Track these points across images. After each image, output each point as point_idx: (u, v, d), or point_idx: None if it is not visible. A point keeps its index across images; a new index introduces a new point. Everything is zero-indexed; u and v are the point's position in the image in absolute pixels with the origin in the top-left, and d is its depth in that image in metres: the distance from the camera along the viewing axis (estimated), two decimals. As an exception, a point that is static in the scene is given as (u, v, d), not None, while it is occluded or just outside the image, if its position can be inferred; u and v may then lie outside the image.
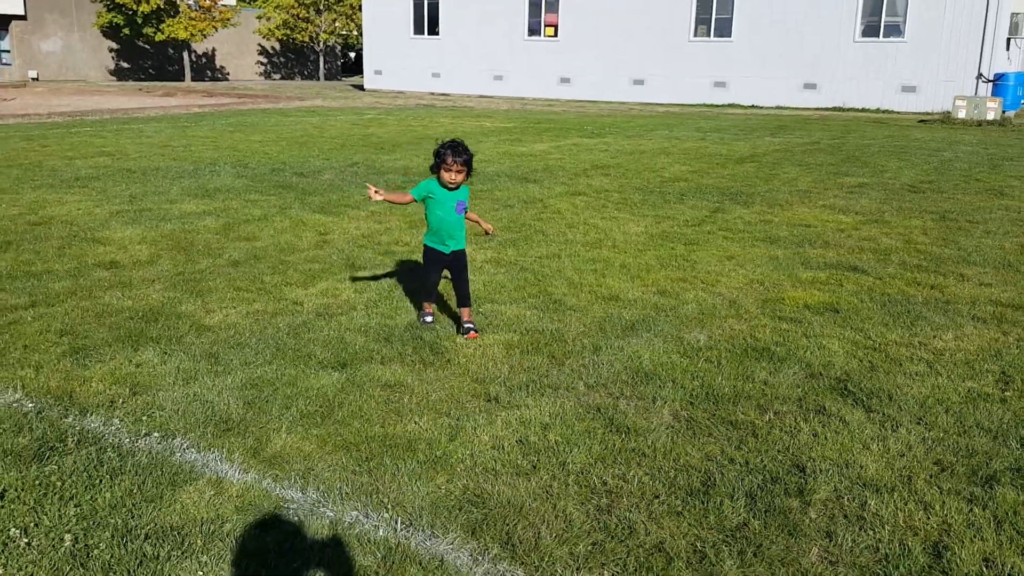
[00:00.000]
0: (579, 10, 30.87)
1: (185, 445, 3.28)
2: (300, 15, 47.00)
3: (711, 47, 28.80)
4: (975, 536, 2.74)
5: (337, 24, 49.47)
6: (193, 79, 43.48)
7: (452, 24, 33.94)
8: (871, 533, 2.76)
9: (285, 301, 5.23)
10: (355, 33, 50.38)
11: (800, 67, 27.24)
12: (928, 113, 23.57)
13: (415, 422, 3.50)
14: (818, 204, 8.94)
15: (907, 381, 4.06)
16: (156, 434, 3.37)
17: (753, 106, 27.69)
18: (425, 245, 4.72)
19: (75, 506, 2.81)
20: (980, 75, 23.89)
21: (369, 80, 36.58)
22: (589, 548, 2.67)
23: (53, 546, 2.60)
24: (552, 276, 5.88)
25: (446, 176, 4.46)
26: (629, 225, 7.75)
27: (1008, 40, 25.16)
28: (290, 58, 53.12)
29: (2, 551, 2.57)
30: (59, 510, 2.79)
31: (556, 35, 31.95)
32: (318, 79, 50.34)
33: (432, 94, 33.57)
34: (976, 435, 3.47)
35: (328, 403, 3.67)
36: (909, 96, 25.53)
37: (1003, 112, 20.60)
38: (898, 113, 24.80)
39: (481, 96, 32.54)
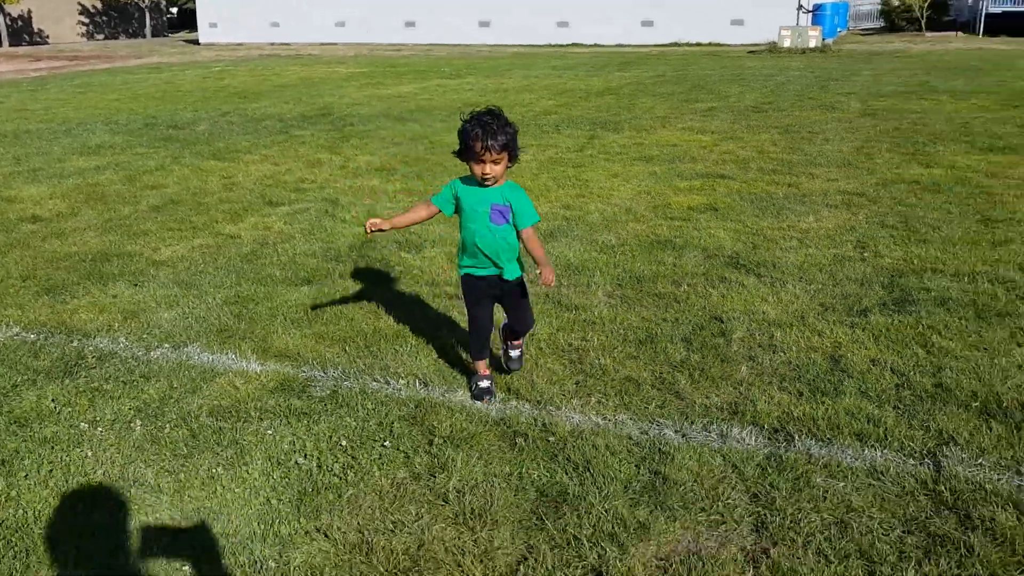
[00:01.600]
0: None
1: (198, 351, 3.68)
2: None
3: (551, -14, 29.54)
4: (860, 347, 3.59)
5: (160, -23, 46.89)
6: (11, 44, 40.28)
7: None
8: (782, 354, 3.56)
9: (222, 236, 5.55)
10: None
11: (638, 5, 28.46)
12: (756, 44, 25.28)
13: (396, 319, 4.02)
14: (678, 127, 9.85)
15: (784, 254, 4.92)
16: (167, 345, 3.75)
17: (595, 44, 28.74)
18: (461, 273, 3.20)
19: (128, 400, 3.20)
20: (800, 6, 25.82)
21: (204, 34, 35.22)
22: (574, 385, 3.32)
23: (124, 433, 3.00)
24: (465, 198, 6.43)
25: (476, 169, 2.94)
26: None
27: (822, -28, 27.22)
28: (113, 17, 49.87)
29: (81, 440, 2.95)
30: (115, 406, 3.17)
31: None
32: (144, 36, 47.63)
33: (272, 44, 32.74)
34: (847, 284, 4.36)
35: (309, 311, 4.13)
36: (738, 29, 27.23)
37: (823, 40, 22.49)
38: (728, 46, 26.45)
39: (324, 44, 32.03)
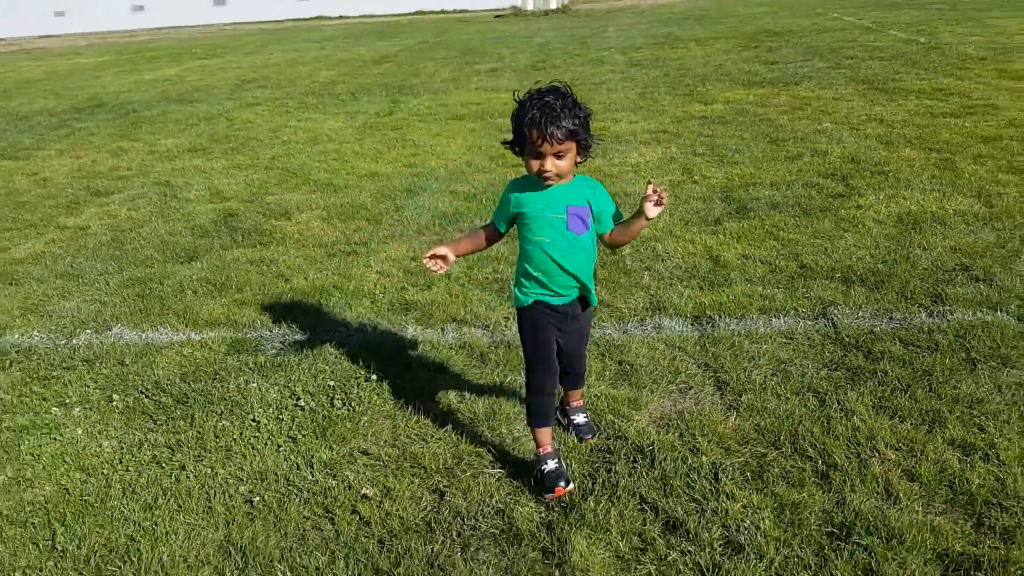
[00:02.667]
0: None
1: (124, 331, 3.60)
2: None
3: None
4: (728, 247, 4.21)
5: None
6: None
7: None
8: (670, 261, 4.09)
9: (69, 229, 5.25)
10: None
11: (378, -25, 28.49)
12: (500, 9, 26.28)
13: (308, 277, 4.13)
14: (472, 88, 10.27)
15: (629, 185, 5.49)
16: (88, 331, 3.62)
17: (341, 16, 28.50)
18: (519, 305, 2.43)
19: (88, 381, 3.12)
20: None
21: None
22: (512, 309, 3.65)
23: (106, 408, 2.95)
24: (304, 169, 6.47)
25: (533, 165, 2.25)
26: (328, 122, 8.41)
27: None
28: None
29: (63, 422, 2.87)
30: (77, 389, 3.08)
31: (116, -40, 29.57)
32: None
33: (-25, 39, 29.35)
34: (692, 203, 5.00)
35: (214, 282, 4.12)
36: (479, -5, 28.10)
37: (562, 2, 23.81)
38: (473, 12, 27.28)
39: (40, 36, 29.23)
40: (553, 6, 23.30)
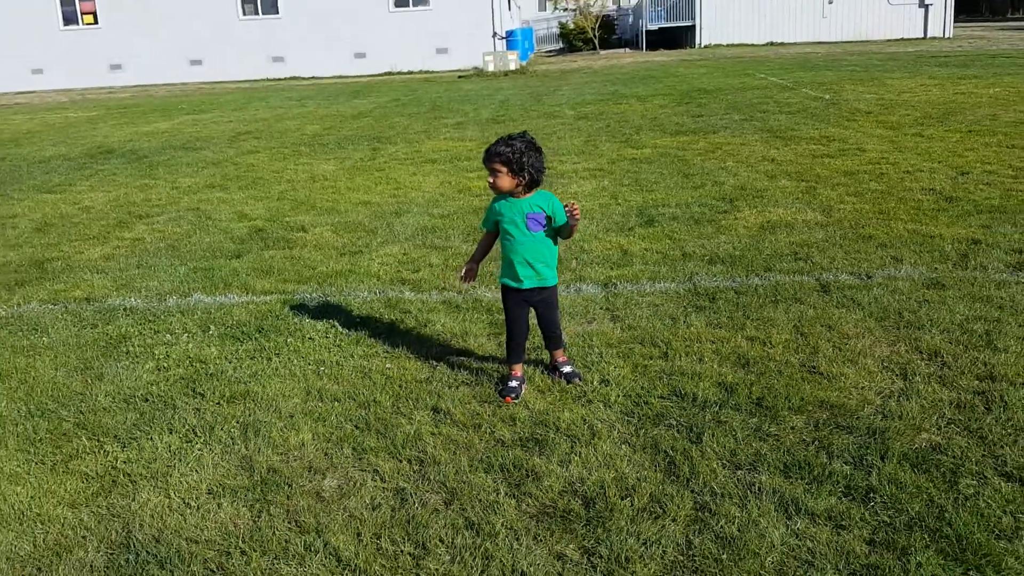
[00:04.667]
0: (120, -5, 30.48)
1: (202, 296, 5.05)
2: None
3: (263, 24, 30.60)
4: (635, 244, 5.79)
5: None
6: None
7: (-32, 17, 31.09)
8: (593, 254, 5.65)
9: (127, 239, 6.70)
10: None
11: (349, 38, 30.36)
12: (463, 70, 28.18)
13: (329, 266, 5.62)
14: (441, 138, 11.91)
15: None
16: (175, 296, 5.07)
17: (313, 78, 30.23)
18: (501, 282, 3.64)
19: (186, 319, 4.57)
20: (495, 33, 29.16)
21: None
22: (484, 288, 5.17)
23: (203, 334, 4.40)
24: (309, 199, 7.98)
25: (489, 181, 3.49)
26: (322, 165, 9.96)
27: (509, 2, 30.84)
28: None
29: (176, 340, 4.31)
30: (179, 322, 4.53)
31: (97, 22, 31.11)
32: None
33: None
34: (614, 217, 6.59)
35: (260, 269, 5.59)
36: (444, 57, 30.06)
37: (520, 62, 25.79)
38: (438, 72, 29.15)
39: (18, 92, 30.48)
40: (512, 67, 25.25)
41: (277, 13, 30.30)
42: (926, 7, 31.37)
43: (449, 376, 3.76)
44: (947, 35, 31.23)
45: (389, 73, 29.89)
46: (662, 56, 28.85)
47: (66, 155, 11.98)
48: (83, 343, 4.36)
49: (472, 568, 2.45)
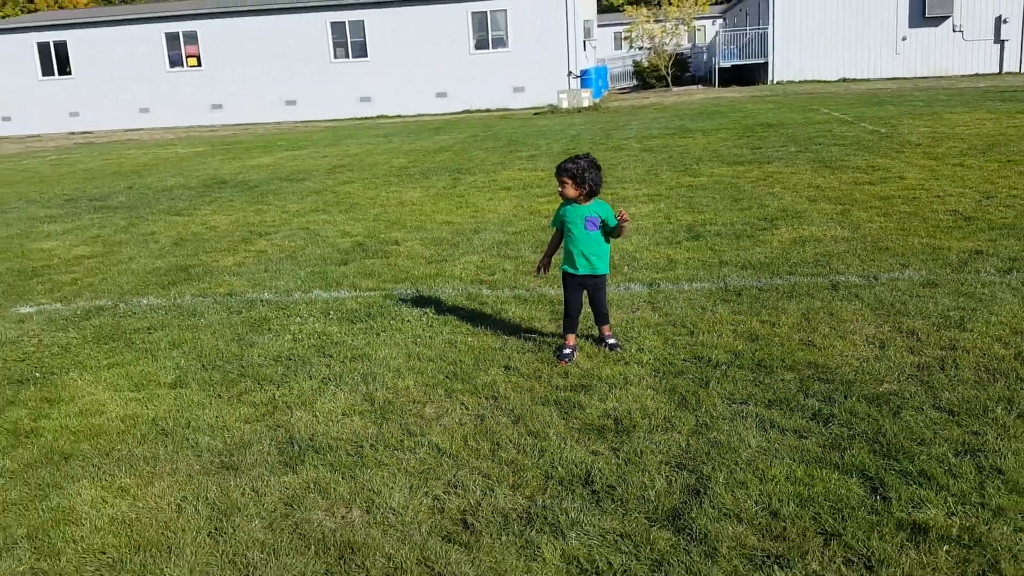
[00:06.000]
0: (220, 39, 32.90)
1: (320, 292, 6.21)
2: None
3: (352, 67, 32.59)
4: (682, 254, 6.75)
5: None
6: None
7: (86, 63, 33.95)
8: (643, 260, 6.62)
9: (252, 251, 7.96)
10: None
11: (432, 79, 32.09)
12: (539, 107, 29.51)
13: (420, 270, 6.73)
14: (515, 169, 13.06)
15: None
16: (297, 292, 6.25)
17: (398, 115, 32.00)
18: (562, 270, 4.64)
19: (313, 307, 5.73)
20: (570, 72, 30.47)
21: (-5, 128, 34.98)
22: (545, 285, 6.21)
23: (323, 318, 5.54)
24: (400, 220, 9.17)
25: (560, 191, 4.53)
26: (409, 193, 11.19)
27: (584, 42, 32.18)
28: None
29: (307, 319, 5.45)
30: (306, 309, 5.68)
31: (200, 65, 33.57)
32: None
33: (72, 134, 33.30)
34: (665, 232, 7.56)
35: (364, 273, 6.73)
36: (520, 95, 31.48)
37: (594, 99, 26.97)
38: (515, 110, 30.56)
39: (127, 130, 33.06)
40: (586, 104, 26.44)
41: (366, 57, 32.27)
42: (1001, 43, 31.46)
43: (517, 346, 4.80)
44: (1023, 71, 31.24)
45: (468, 111, 31.45)
46: (733, 92, 29.66)
47: (185, 185, 13.54)
48: (233, 323, 5.55)
49: (531, 455, 3.46)
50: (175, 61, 33.61)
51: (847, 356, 4.34)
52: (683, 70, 38.38)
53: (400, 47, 31.90)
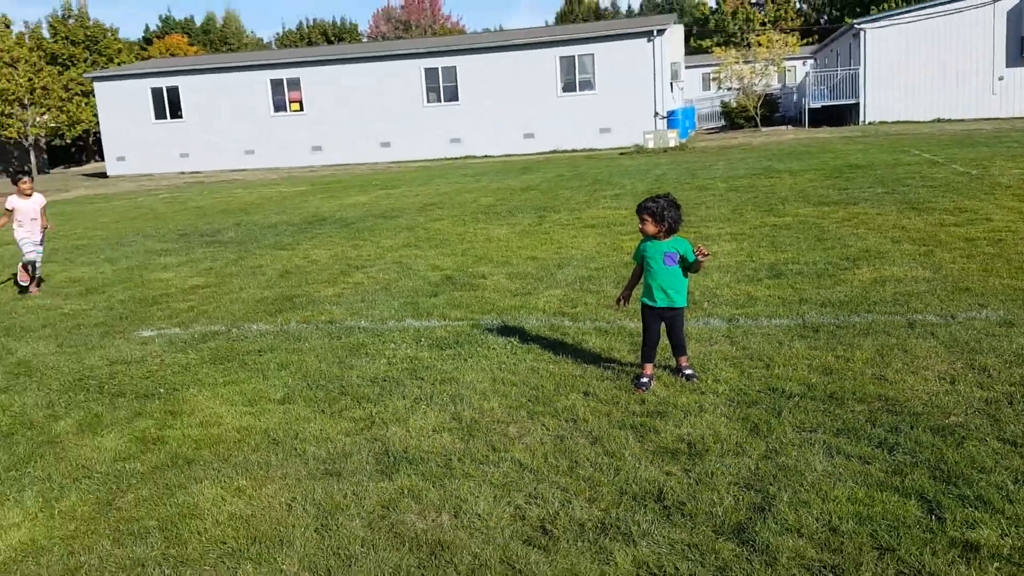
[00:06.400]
0: (322, 85, 34.44)
1: (412, 321, 6.62)
2: (3, 111, 45.44)
3: (443, 110, 33.63)
4: (761, 290, 6.92)
5: (47, 117, 48.27)
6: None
7: (196, 107, 35.95)
8: (723, 297, 6.82)
9: (350, 283, 8.46)
10: (66, 124, 49.54)
11: (519, 121, 32.83)
12: (624, 147, 29.83)
13: (506, 302, 7.08)
14: (600, 207, 13.37)
15: (711, 262, 8.26)
16: (391, 321, 6.68)
17: (486, 156, 32.78)
18: (641, 303, 4.90)
19: (405, 335, 6.13)
20: (657, 113, 30.74)
21: (112, 167, 37.25)
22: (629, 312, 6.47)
23: (414, 344, 5.93)
24: (486, 255, 9.57)
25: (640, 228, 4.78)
26: (496, 230, 11.61)
27: (671, 83, 32.45)
28: (-7, 156, 50.64)
29: (401, 345, 5.85)
30: (398, 337, 6.09)
31: (302, 109, 35.16)
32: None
33: (183, 173, 35.20)
34: (746, 271, 7.73)
35: (452, 304, 7.12)
36: (607, 136, 31.89)
37: (680, 139, 27.15)
38: (601, 150, 30.95)
39: (233, 170, 34.75)
40: (672, 144, 26.64)
41: (457, 100, 33.29)
42: (1107, 80, 30.36)
43: (597, 374, 5.07)
44: None
45: (555, 151, 32.00)
46: (824, 133, 29.40)
47: (288, 221, 14.32)
48: (334, 347, 6.00)
49: (607, 473, 3.73)
50: (279, 106, 35.31)
51: (917, 390, 4.47)
52: (772, 110, 38.21)
53: (490, 90, 32.80)
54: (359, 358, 5.71)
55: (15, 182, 9.22)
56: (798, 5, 67.80)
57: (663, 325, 4.92)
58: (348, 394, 4.97)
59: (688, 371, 4.95)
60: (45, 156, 53.04)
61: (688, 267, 4.83)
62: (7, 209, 9.17)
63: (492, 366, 5.34)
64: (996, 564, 2.83)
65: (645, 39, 31.08)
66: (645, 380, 4.84)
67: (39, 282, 9.40)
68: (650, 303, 4.86)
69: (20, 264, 9.27)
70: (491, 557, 3.08)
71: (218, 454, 4.19)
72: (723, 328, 5.95)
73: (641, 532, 3.20)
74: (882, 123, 31.89)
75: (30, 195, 9.25)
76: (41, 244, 9.33)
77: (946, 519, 3.12)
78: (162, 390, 5.28)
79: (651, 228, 4.76)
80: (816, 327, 5.77)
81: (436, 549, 3.16)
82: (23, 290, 9.17)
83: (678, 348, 4.98)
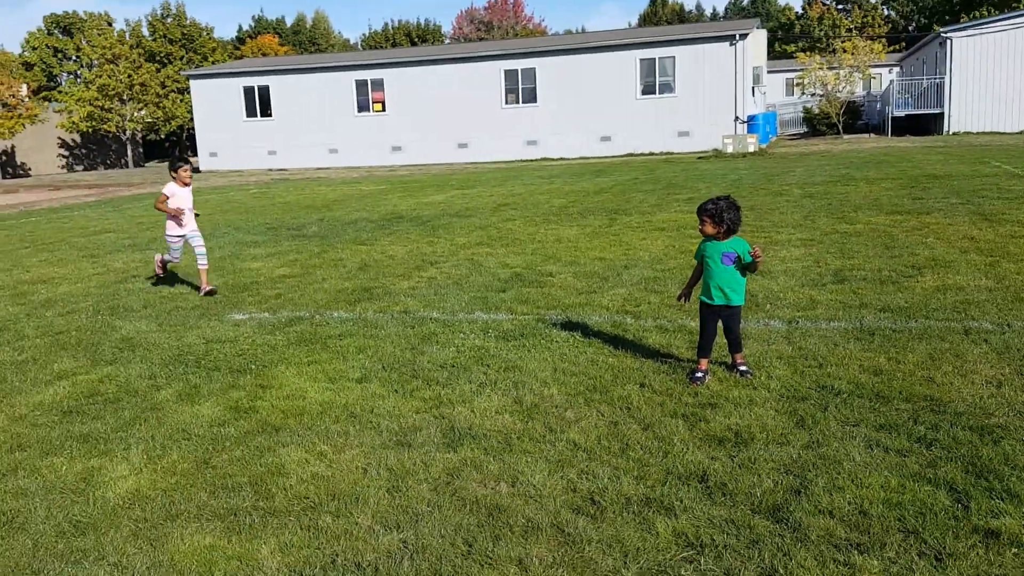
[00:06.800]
0: (404, 86, 35.26)
1: (480, 314, 6.98)
2: (104, 106, 47.73)
3: (521, 112, 34.05)
4: (822, 294, 7.06)
5: (144, 112, 50.49)
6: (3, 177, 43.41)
7: (284, 106, 37.17)
8: (786, 300, 6.99)
9: (424, 277, 8.88)
10: (161, 119, 51.75)
11: (596, 123, 33.02)
12: (703, 152, 29.75)
13: (571, 300, 7.39)
14: (671, 211, 13.54)
15: (779, 265, 8.41)
16: (461, 313, 7.05)
17: (562, 158, 33.06)
18: (701, 299, 5.11)
19: (474, 326, 6.49)
20: (737, 117, 30.56)
21: (204, 162, 38.79)
22: (684, 314, 6.71)
23: (483, 335, 6.29)
24: (555, 255, 9.89)
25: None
26: (566, 231, 11.91)
27: (753, 88, 32.20)
28: (92, 149, 53.23)
29: (469, 335, 6.22)
30: (468, 328, 6.46)
31: (384, 110, 36.04)
32: (124, 167, 50.81)
33: (270, 170, 36.43)
34: (811, 275, 7.86)
35: (519, 299, 7.46)
36: (685, 139, 31.83)
37: (759, 145, 26.97)
38: (679, 154, 30.91)
39: (318, 168, 35.83)
40: (751, 149, 26.49)
41: (535, 102, 33.67)
42: None
43: (654, 367, 5.34)
44: None
45: (631, 154, 32.09)
46: (906, 142, 28.80)
47: (368, 218, 14.90)
48: (407, 335, 6.41)
49: (655, 456, 4.01)
50: (363, 106, 36.28)
51: (963, 392, 4.61)
52: (855, 118, 37.50)
53: (568, 92, 33.09)
54: (430, 345, 6.10)
55: (175, 169, 8.46)
56: (886, 12, 66.17)
57: (720, 322, 5.16)
58: (419, 377, 5.36)
59: (743, 367, 5.17)
60: (141, 150, 55.53)
61: (745, 267, 5.05)
62: (165, 195, 8.42)
63: (554, 357, 5.66)
64: (1014, 550, 3.02)
65: (727, 43, 30.94)
66: (700, 375, 5.08)
67: (210, 291, 8.43)
68: (708, 301, 5.09)
69: (160, 258, 9.09)
70: (543, 521, 3.40)
71: (302, 423, 4.62)
72: (782, 329, 6.13)
73: (683, 507, 3.47)
74: (967, 134, 31.04)
75: (188, 184, 8.58)
76: (198, 234, 8.68)
77: (972, 508, 3.31)
78: (253, 366, 5.76)
79: (710, 229, 4.98)
80: (872, 331, 5.92)
81: (494, 512, 3.49)
82: (159, 281, 9.20)
83: (734, 345, 5.21)
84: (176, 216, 8.39)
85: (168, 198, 8.41)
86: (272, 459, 4.16)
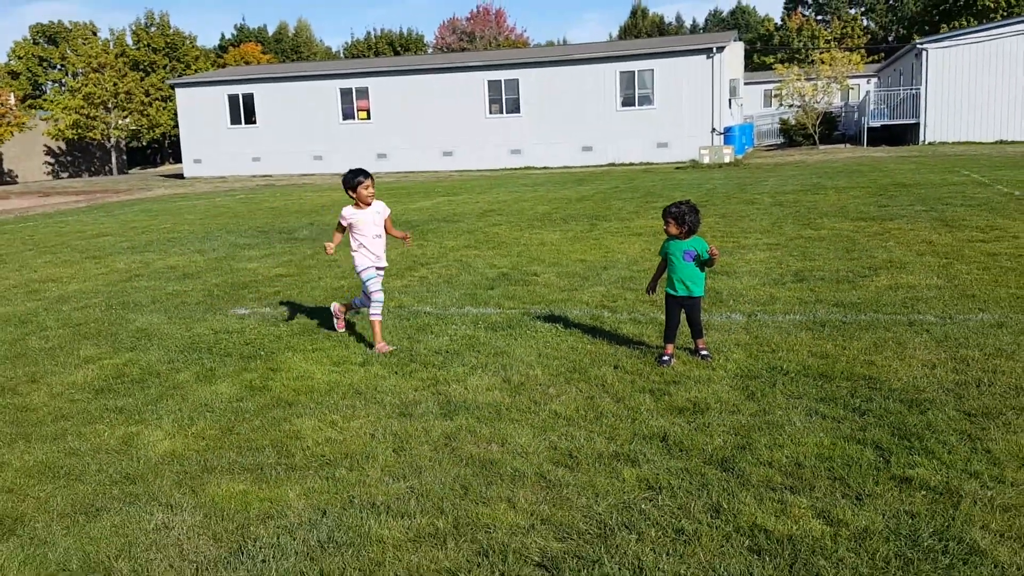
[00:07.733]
0: (389, 95, 35.84)
1: (470, 308, 7.57)
2: (90, 114, 47.91)
3: (505, 121, 34.73)
4: (783, 292, 7.71)
5: (128, 120, 50.70)
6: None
7: (269, 113, 37.65)
8: (748, 296, 7.62)
9: (416, 276, 9.45)
10: (146, 127, 52.02)
11: (578, 134, 33.75)
12: (680, 162, 30.51)
13: (554, 296, 7.99)
14: (649, 218, 14.19)
15: (745, 265, 9.05)
16: (453, 308, 7.64)
17: (545, 167, 33.75)
18: (665, 292, 5.75)
19: (467, 321, 7.08)
20: (714, 129, 31.36)
21: (189, 168, 39.17)
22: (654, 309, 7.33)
23: (472, 328, 6.87)
24: (539, 256, 10.50)
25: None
26: (549, 235, 12.53)
27: (730, 100, 33.04)
28: (77, 157, 53.35)
29: (461, 326, 6.80)
30: (461, 319, 7.04)
31: (369, 118, 36.61)
32: (108, 174, 50.95)
33: (254, 176, 36.88)
34: (774, 275, 8.51)
35: (507, 296, 8.05)
36: (663, 150, 32.61)
37: (735, 156, 27.75)
38: (658, 164, 31.67)
39: (303, 175, 36.32)
40: (727, 160, 27.27)
41: (519, 112, 34.37)
42: None
43: (626, 352, 5.95)
44: None
45: (612, 164, 32.83)
46: (880, 152, 29.70)
47: (356, 223, 15.42)
48: (404, 327, 6.98)
49: (625, 422, 4.61)
50: (347, 114, 36.83)
51: (899, 373, 5.25)
52: (832, 128, 38.46)
53: (551, 103, 33.81)
54: (425, 335, 6.68)
55: (353, 187, 6.46)
56: (865, 23, 67.48)
57: (683, 312, 5.77)
58: (416, 361, 5.94)
59: (704, 352, 5.79)
60: (124, 157, 55.71)
61: (704, 263, 5.68)
62: (341, 226, 6.66)
63: (538, 344, 6.25)
64: (923, 492, 3.64)
65: (704, 56, 31.78)
66: (666, 358, 5.70)
67: (382, 346, 6.33)
68: (672, 292, 5.73)
69: (337, 307, 7.02)
70: (528, 471, 3.99)
71: (313, 399, 5.19)
72: (742, 321, 6.76)
73: (646, 459, 4.08)
74: (942, 143, 32.00)
75: (370, 204, 6.58)
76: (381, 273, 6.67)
77: (891, 462, 3.93)
78: (262, 353, 6.32)
79: (674, 229, 5.61)
80: (824, 323, 6.56)
81: (487, 465, 4.08)
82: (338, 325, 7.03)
83: (696, 332, 5.83)
84: (360, 247, 6.59)
85: (344, 229, 6.62)
86: (289, 427, 4.72)
